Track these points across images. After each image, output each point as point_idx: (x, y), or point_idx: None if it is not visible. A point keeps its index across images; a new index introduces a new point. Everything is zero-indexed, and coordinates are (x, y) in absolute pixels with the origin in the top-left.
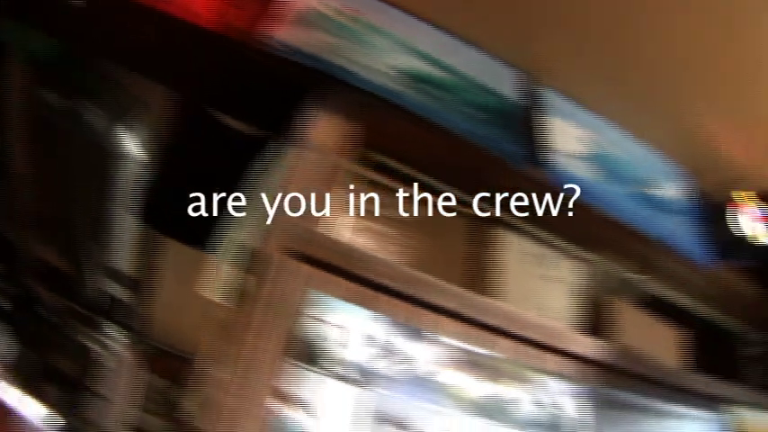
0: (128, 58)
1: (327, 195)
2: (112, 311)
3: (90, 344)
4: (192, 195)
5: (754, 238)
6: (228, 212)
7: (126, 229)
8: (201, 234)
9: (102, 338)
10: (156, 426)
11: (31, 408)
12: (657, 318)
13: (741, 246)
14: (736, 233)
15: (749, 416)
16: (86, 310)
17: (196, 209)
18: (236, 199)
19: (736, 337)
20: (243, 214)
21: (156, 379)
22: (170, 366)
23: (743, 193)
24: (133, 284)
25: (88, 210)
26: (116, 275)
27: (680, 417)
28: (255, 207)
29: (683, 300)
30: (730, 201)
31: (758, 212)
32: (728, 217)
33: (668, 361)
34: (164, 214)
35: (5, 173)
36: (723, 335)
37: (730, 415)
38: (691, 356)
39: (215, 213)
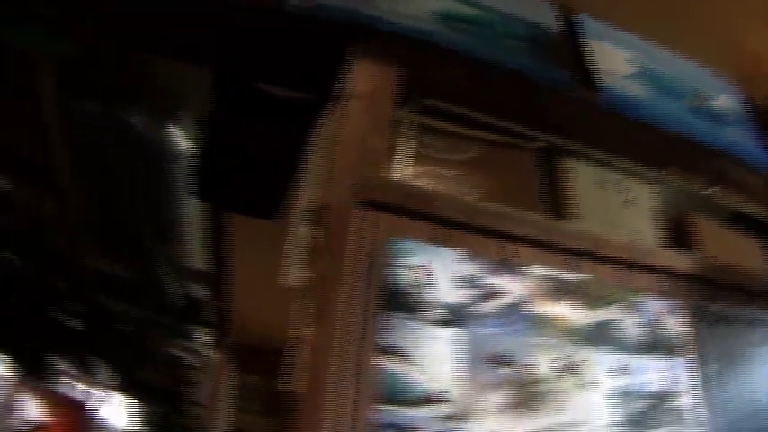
0: (160, 44)
1: (386, 143)
2: (194, 313)
3: (177, 351)
4: (256, 168)
5: None
6: (295, 179)
7: (192, 223)
8: (272, 206)
9: (188, 343)
10: (254, 423)
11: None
12: (738, 231)
13: None
14: None
15: None
16: (165, 316)
17: (262, 181)
18: (301, 163)
19: None
20: (310, 177)
21: (249, 376)
22: (262, 361)
23: None
24: (210, 279)
25: (149, 211)
26: (190, 274)
27: None
28: (320, 166)
29: (758, 209)
30: None
31: None
32: None
33: (756, 271)
34: (230, 193)
35: (53, 188)
36: None
37: None
38: None
39: (282, 182)
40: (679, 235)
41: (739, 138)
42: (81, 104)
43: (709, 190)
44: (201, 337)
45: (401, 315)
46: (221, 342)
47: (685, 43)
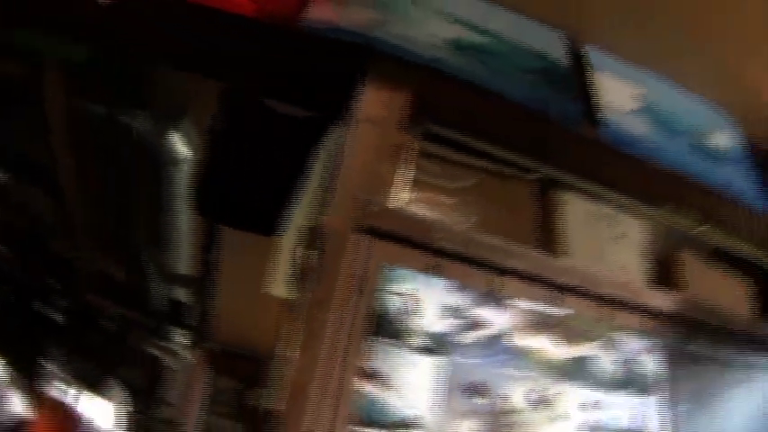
0: (171, 56)
1: (389, 169)
2: (176, 316)
3: (155, 351)
4: (254, 184)
5: None
6: (293, 196)
7: (184, 228)
8: (267, 222)
9: (168, 344)
10: (226, 427)
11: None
12: (726, 269)
13: None
14: None
15: None
16: (150, 318)
17: (260, 197)
18: (300, 181)
19: None
20: (308, 196)
21: (223, 380)
22: (237, 366)
23: None
24: (195, 284)
25: (145, 216)
26: (177, 278)
27: (755, 367)
28: (320, 187)
29: (748, 249)
30: None
31: None
32: None
33: (739, 312)
34: (227, 207)
35: (55, 188)
36: None
37: None
38: (760, 306)
39: (279, 199)
40: (665, 272)
41: (735, 177)
42: (86, 106)
43: (701, 228)
44: (180, 339)
45: (386, 340)
46: (199, 345)
47: (688, 78)
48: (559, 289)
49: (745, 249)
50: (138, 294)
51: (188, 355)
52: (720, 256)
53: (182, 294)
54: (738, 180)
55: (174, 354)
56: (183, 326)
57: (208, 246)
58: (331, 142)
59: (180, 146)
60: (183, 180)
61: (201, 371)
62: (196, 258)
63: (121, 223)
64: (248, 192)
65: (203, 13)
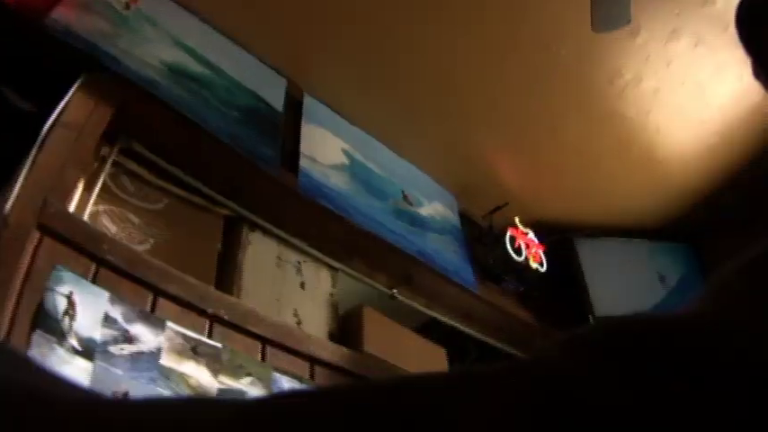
0: None
1: (77, 175)
2: None
3: None
4: None
5: (528, 262)
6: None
7: None
8: None
9: None
10: None
11: None
12: (422, 334)
13: (510, 270)
14: (510, 257)
15: None
16: None
17: None
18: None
19: (502, 356)
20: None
21: None
22: None
23: (517, 219)
24: None
25: None
26: None
27: None
28: (17, 182)
29: (446, 317)
30: (508, 225)
31: (534, 239)
32: (503, 241)
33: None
34: None
35: None
36: (489, 354)
37: None
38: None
39: None
40: (347, 326)
41: (440, 246)
42: None
43: (393, 290)
44: None
45: (49, 337)
46: None
47: (410, 142)
48: (213, 320)
49: (446, 318)
50: None
51: None
52: (421, 322)
53: None
54: (443, 250)
55: None
56: None
57: None
58: (38, 139)
59: None
60: None
61: None
62: None
63: None
64: None
65: None
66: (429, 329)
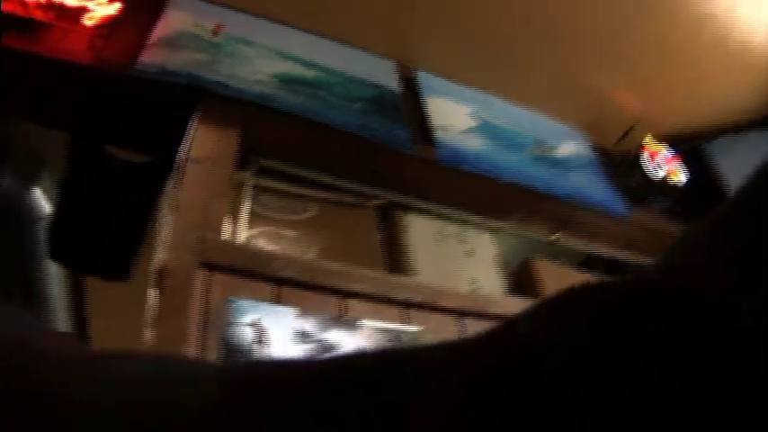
0: (16, 108)
1: (223, 205)
2: None
3: None
4: (103, 231)
5: (668, 178)
6: (145, 240)
7: (54, 283)
8: (123, 268)
9: None
10: None
11: None
12: (586, 273)
13: (654, 189)
14: (650, 177)
15: None
16: None
17: (110, 243)
18: (147, 224)
19: None
20: (158, 239)
21: None
22: None
23: (649, 138)
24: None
25: (19, 275)
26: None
27: None
28: (164, 228)
29: (608, 251)
30: (640, 146)
31: (668, 154)
32: (641, 162)
33: None
34: (81, 256)
35: None
36: None
37: None
38: None
39: (131, 244)
40: (522, 281)
41: (585, 183)
42: None
43: (554, 236)
44: None
45: None
46: None
47: (529, 92)
48: (408, 306)
49: (603, 251)
50: None
51: None
52: (581, 261)
53: None
54: (589, 185)
55: None
56: None
57: (78, 299)
58: (171, 183)
59: (43, 201)
60: (44, 233)
61: None
62: (68, 313)
63: None
64: (102, 239)
65: (40, 63)
66: (587, 266)
